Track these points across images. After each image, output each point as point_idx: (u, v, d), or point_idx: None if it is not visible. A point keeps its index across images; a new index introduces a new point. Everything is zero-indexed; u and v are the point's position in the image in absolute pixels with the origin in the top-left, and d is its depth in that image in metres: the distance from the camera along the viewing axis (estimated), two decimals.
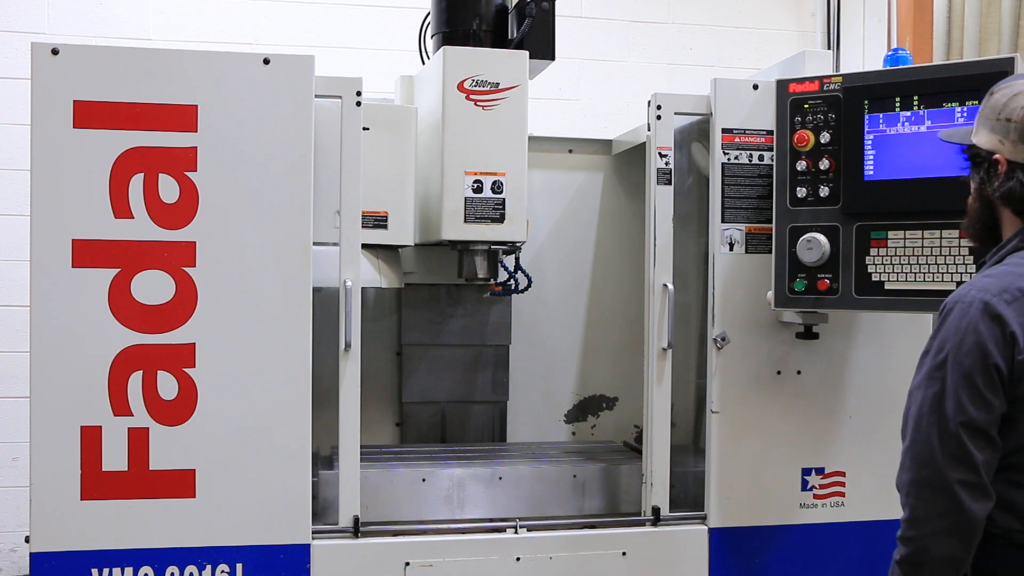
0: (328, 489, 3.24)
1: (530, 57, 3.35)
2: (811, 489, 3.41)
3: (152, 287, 2.97)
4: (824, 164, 3.10)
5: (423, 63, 3.72)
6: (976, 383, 2.01)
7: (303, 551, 3.07)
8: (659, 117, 3.34)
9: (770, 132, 3.28)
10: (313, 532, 3.09)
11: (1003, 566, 2.07)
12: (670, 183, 3.35)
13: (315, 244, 3.07)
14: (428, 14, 3.65)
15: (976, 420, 2.00)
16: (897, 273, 3.00)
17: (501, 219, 3.31)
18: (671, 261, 3.36)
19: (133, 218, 2.95)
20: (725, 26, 5.84)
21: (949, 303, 2.09)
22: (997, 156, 2.13)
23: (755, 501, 3.38)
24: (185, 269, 2.98)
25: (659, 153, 3.35)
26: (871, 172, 3.02)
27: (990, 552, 2.08)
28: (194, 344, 2.99)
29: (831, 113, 3.09)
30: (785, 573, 3.39)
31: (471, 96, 3.29)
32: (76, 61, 2.94)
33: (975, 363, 2.01)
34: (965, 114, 2.83)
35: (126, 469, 2.96)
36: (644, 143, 3.44)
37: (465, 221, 3.29)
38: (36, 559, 2.95)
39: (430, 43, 3.64)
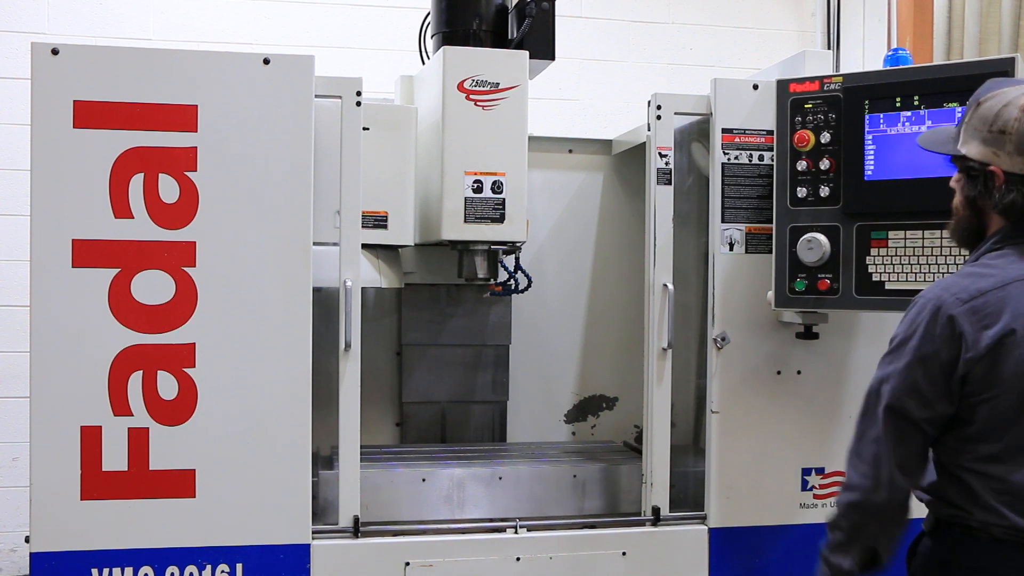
0: (328, 489, 3.24)
1: (530, 57, 3.35)
2: (811, 489, 3.41)
3: (152, 287, 2.97)
4: (824, 164, 3.10)
5: (423, 63, 3.72)
6: (916, 375, 2.10)
7: (303, 551, 3.07)
8: (659, 117, 3.34)
9: (770, 132, 3.28)
10: (313, 532, 3.09)
11: (985, 559, 2.09)
12: (670, 183, 3.35)
13: (315, 244, 3.07)
14: (428, 14, 3.65)
15: (907, 409, 2.11)
16: (897, 273, 3.00)
17: (501, 219, 3.31)
18: (671, 261, 3.36)
19: (133, 218, 2.95)
20: (725, 26, 5.84)
21: (919, 296, 2.18)
22: (993, 168, 2.13)
23: (755, 501, 3.38)
24: (185, 269, 2.98)
25: (659, 153, 3.35)
26: (871, 172, 3.02)
27: (970, 547, 2.09)
28: (194, 344, 2.99)
29: (831, 113, 3.09)
30: (785, 573, 3.39)
31: (471, 96, 3.29)
32: (76, 61, 2.94)
33: (918, 357, 2.10)
34: None
35: (126, 469, 2.96)
36: (644, 143, 3.44)
37: (465, 221, 3.29)
38: (36, 559, 2.95)
39: (430, 43, 3.64)
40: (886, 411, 2.13)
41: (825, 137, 3.10)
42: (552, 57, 3.48)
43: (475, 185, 3.29)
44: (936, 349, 2.08)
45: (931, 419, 2.12)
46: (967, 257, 2.30)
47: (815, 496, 3.41)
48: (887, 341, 3.34)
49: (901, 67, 3.08)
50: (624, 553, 3.31)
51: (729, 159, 3.33)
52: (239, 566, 3.04)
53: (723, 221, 3.34)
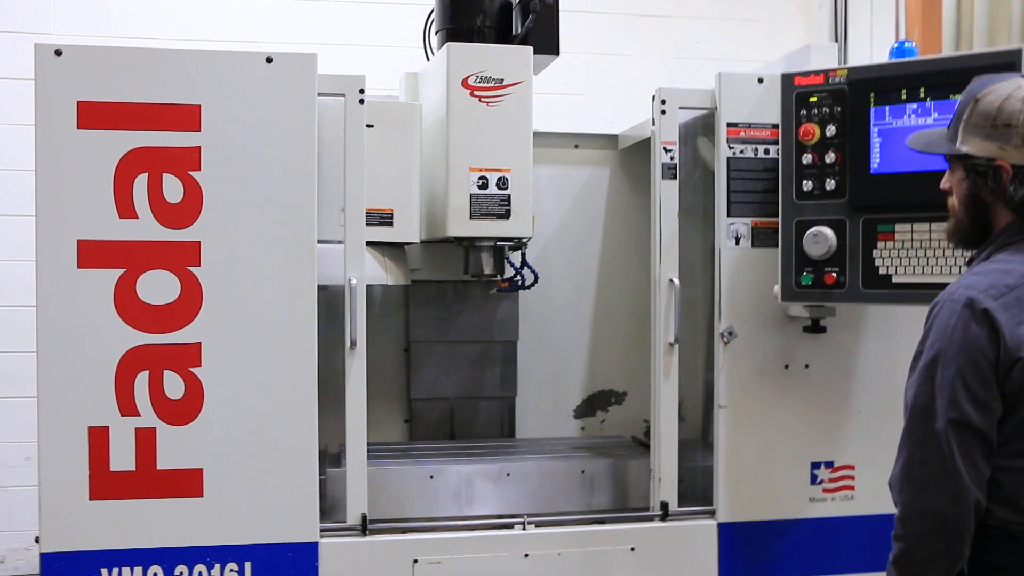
0: (336, 487, 3.25)
1: (534, 52, 3.35)
2: (820, 483, 3.40)
3: (157, 287, 2.97)
4: (830, 157, 3.09)
5: (427, 60, 3.72)
6: (967, 380, 2.01)
7: (311, 549, 3.07)
8: (664, 112, 3.33)
9: (775, 126, 3.27)
10: (321, 530, 3.10)
11: (1000, 558, 2.07)
12: (675, 178, 3.34)
13: (320, 242, 3.07)
14: (432, 11, 3.65)
15: (968, 417, 2.01)
16: (904, 266, 2.99)
17: (507, 215, 3.31)
18: (677, 256, 3.35)
19: (138, 218, 2.96)
20: (732, 19, 5.82)
21: (938, 301, 2.10)
22: (1000, 162, 2.11)
23: (764, 495, 3.37)
24: (190, 269, 2.98)
25: (664, 148, 3.34)
26: (877, 165, 3.01)
27: (987, 544, 2.07)
28: (200, 343, 2.99)
29: (837, 106, 3.07)
30: (794, 567, 3.39)
31: (476, 92, 3.28)
32: (80, 61, 2.94)
33: (965, 360, 2.02)
34: None
35: (134, 469, 2.97)
36: (649, 138, 3.43)
37: (471, 217, 3.29)
38: (46, 559, 2.96)
39: (434, 40, 3.64)
40: (950, 428, 2.00)
41: (830, 130, 3.09)
42: (556, 52, 3.48)
43: (480, 181, 3.28)
44: (981, 347, 2.00)
45: (992, 424, 2.01)
46: (972, 256, 2.26)
47: (824, 490, 3.40)
48: (895, 334, 3.39)
49: (906, 59, 3.06)
50: (633, 548, 3.31)
51: (734, 153, 3.32)
52: (247, 565, 3.04)
53: (729, 215, 3.32)
